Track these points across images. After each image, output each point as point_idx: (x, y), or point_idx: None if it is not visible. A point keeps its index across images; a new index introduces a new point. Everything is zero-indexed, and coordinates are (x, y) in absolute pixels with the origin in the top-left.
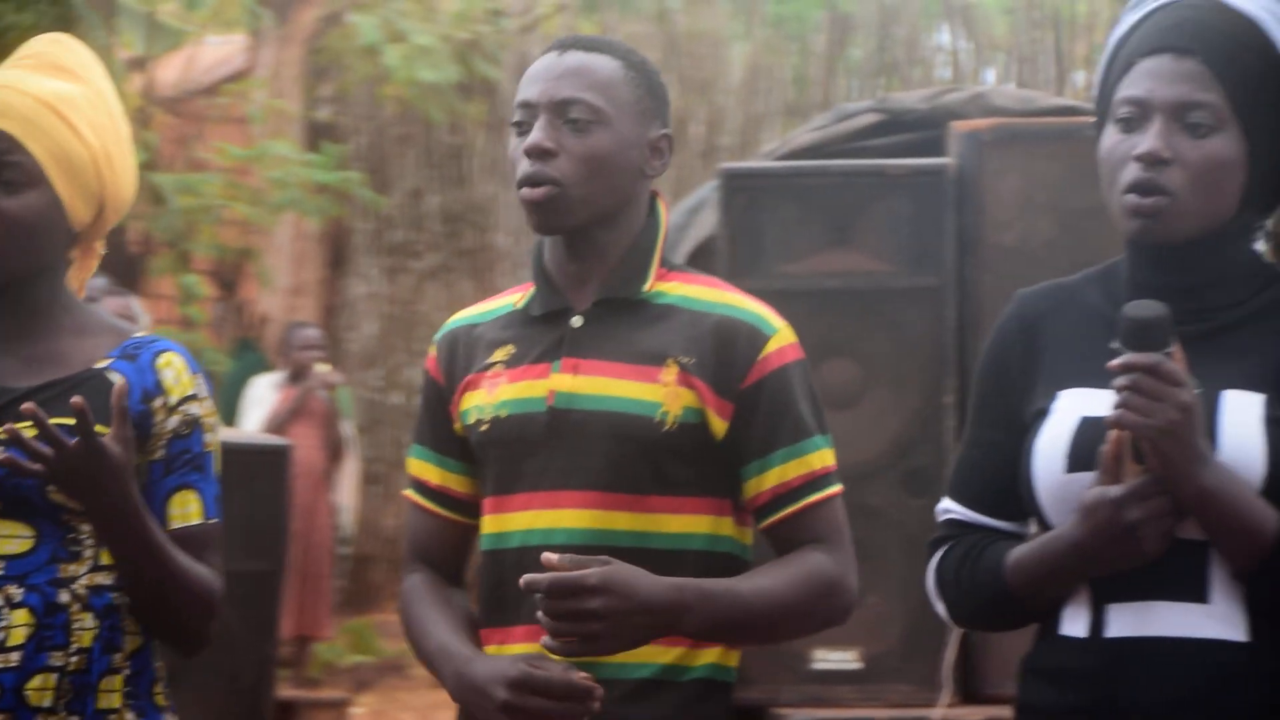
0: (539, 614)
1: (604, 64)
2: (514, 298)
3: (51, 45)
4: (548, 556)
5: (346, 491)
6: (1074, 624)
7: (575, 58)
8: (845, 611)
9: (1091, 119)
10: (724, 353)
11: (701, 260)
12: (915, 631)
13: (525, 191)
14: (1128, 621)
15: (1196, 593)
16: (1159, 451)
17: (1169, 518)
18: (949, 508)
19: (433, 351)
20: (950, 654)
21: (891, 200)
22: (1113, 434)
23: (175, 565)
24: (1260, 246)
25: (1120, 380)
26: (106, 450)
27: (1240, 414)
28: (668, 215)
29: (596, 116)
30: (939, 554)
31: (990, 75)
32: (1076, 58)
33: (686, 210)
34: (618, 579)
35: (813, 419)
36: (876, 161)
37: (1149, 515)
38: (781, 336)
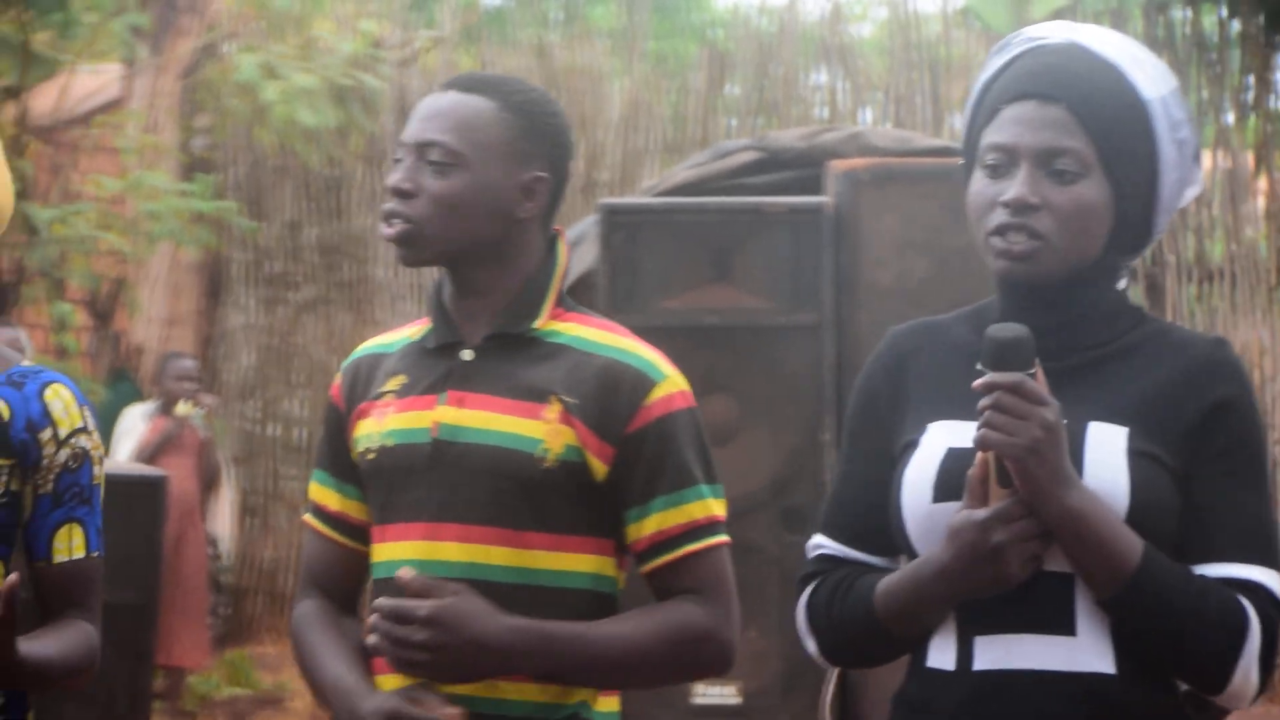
0: (370, 636)
1: (475, 105)
2: (416, 329)
3: None
4: (402, 573)
5: (223, 522)
6: (941, 656)
7: (449, 99)
8: (717, 664)
9: None
10: (608, 397)
11: (580, 294)
12: (795, 667)
13: (383, 226)
14: (995, 654)
15: (1063, 625)
16: (1023, 470)
17: (1034, 541)
18: (820, 543)
19: (338, 378)
20: (829, 689)
21: (770, 237)
22: (979, 457)
23: (59, 668)
24: (1122, 285)
25: (984, 400)
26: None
27: (1104, 446)
28: (568, 255)
29: (454, 160)
30: (809, 589)
31: (867, 115)
32: (953, 99)
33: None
34: (449, 614)
35: (698, 468)
36: (755, 199)
37: (1013, 537)
38: (670, 384)
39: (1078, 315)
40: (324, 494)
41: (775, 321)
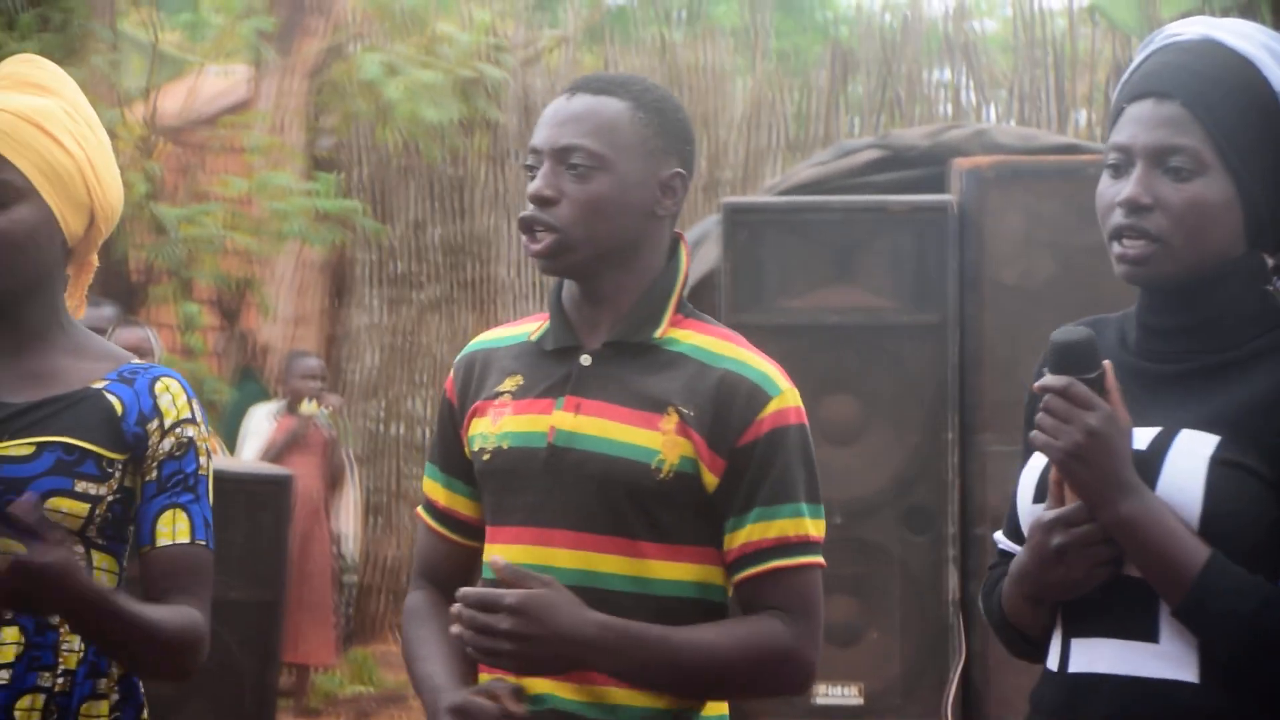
0: (454, 626)
1: (610, 106)
2: (531, 327)
3: (22, 65)
4: (494, 559)
5: (348, 521)
6: (1051, 657)
7: (581, 102)
8: (796, 684)
9: (1092, 157)
10: (723, 409)
11: (702, 294)
12: (917, 667)
13: (526, 240)
14: (1086, 657)
15: (1147, 632)
16: (1068, 475)
17: (1099, 546)
18: (998, 538)
19: (451, 373)
20: (952, 689)
21: (893, 236)
22: None
23: (151, 632)
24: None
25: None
26: (43, 568)
27: (1188, 454)
28: (689, 260)
29: (596, 162)
30: (985, 582)
31: (992, 112)
32: (1078, 96)
33: (688, 244)
34: (536, 604)
35: (800, 485)
36: (878, 198)
37: (1073, 541)
38: (784, 399)
39: (1214, 316)
40: (434, 488)
41: (898, 321)
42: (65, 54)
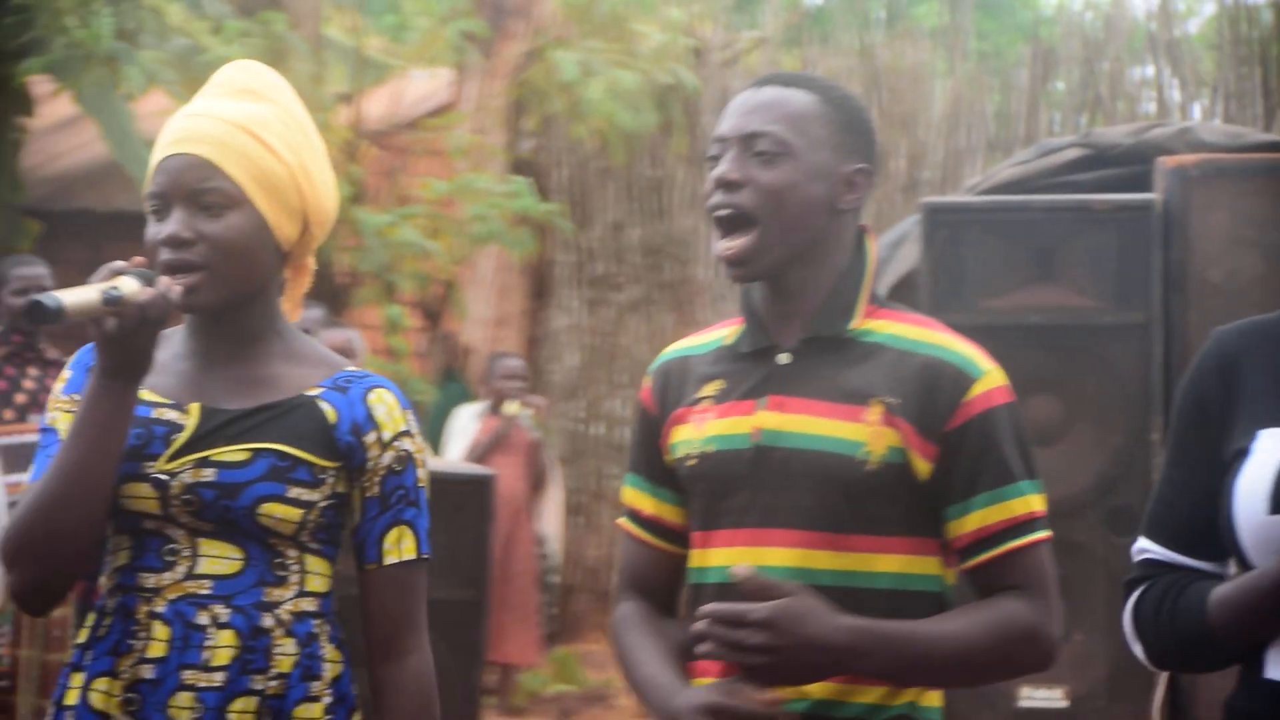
0: (702, 645)
1: (797, 98)
2: (725, 332)
3: (237, 72)
4: (737, 569)
5: (551, 522)
6: (1249, 662)
7: (769, 92)
8: (1042, 659)
9: None
10: (929, 394)
11: (903, 294)
12: (1122, 670)
13: (723, 246)
14: None
15: None
16: None
17: None
18: (1145, 547)
19: (647, 381)
20: (1159, 693)
21: (1096, 235)
22: None
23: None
24: None
25: None
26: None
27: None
28: (876, 251)
29: (783, 149)
30: (1136, 594)
31: (1196, 110)
32: None
33: (888, 244)
34: (785, 615)
35: (1019, 463)
36: (1081, 196)
37: None
38: (989, 379)
39: None
40: (638, 498)
41: (1102, 321)
42: (271, 59)
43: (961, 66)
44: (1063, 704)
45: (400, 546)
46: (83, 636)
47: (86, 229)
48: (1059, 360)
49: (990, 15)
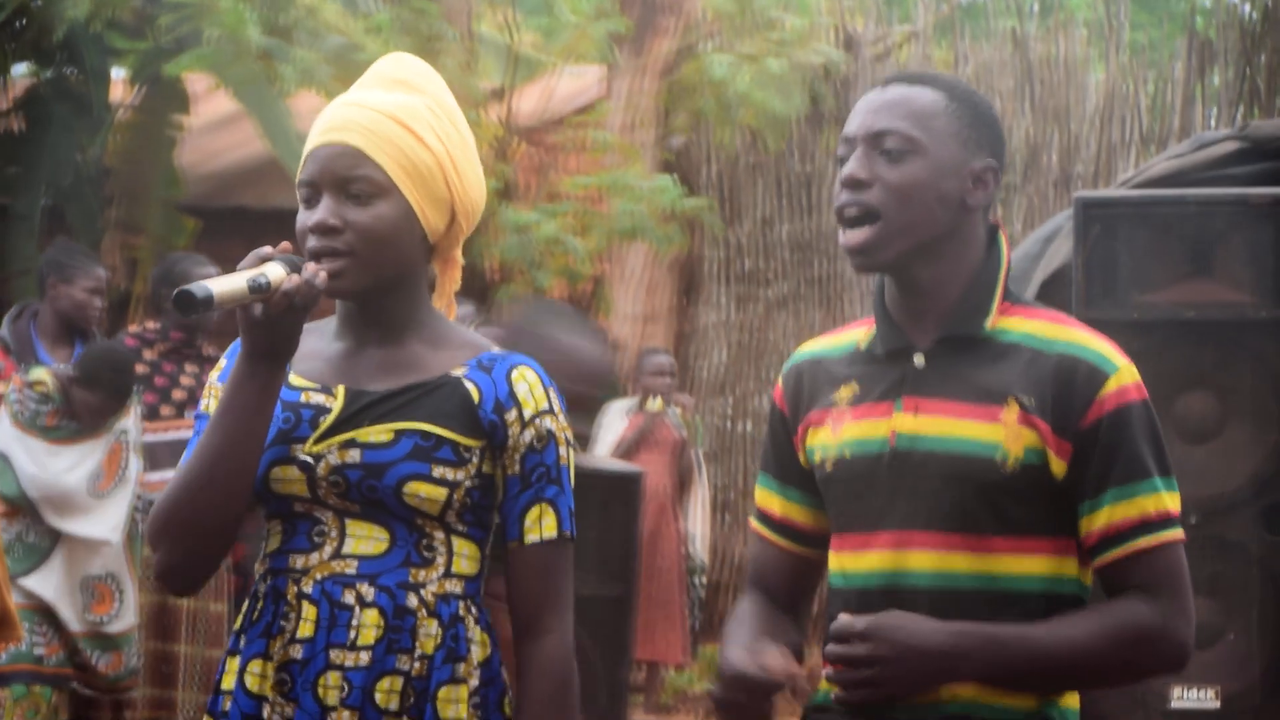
0: (826, 668)
1: (923, 95)
2: (858, 333)
3: (391, 64)
4: (838, 621)
5: (696, 520)
6: None
7: (895, 91)
8: (1170, 664)
9: None
10: (1063, 392)
11: (1055, 289)
12: (1277, 670)
13: (847, 236)
14: None
15: None
16: None
17: None
18: None
19: (780, 383)
20: None
21: (1253, 229)
22: None
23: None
24: None
25: None
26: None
27: None
28: (1009, 248)
29: (910, 146)
30: None
31: None
32: None
33: (1041, 239)
34: (884, 625)
35: (1151, 460)
36: (1238, 190)
37: None
38: (1122, 375)
39: None
40: (768, 498)
41: (1258, 316)
42: (423, 55)
43: (1116, 59)
44: (1215, 705)
45: (541, 524)
46: (239, 623)
47: (244, 226)
48: (1214, 356)
49: (1145, 7)
